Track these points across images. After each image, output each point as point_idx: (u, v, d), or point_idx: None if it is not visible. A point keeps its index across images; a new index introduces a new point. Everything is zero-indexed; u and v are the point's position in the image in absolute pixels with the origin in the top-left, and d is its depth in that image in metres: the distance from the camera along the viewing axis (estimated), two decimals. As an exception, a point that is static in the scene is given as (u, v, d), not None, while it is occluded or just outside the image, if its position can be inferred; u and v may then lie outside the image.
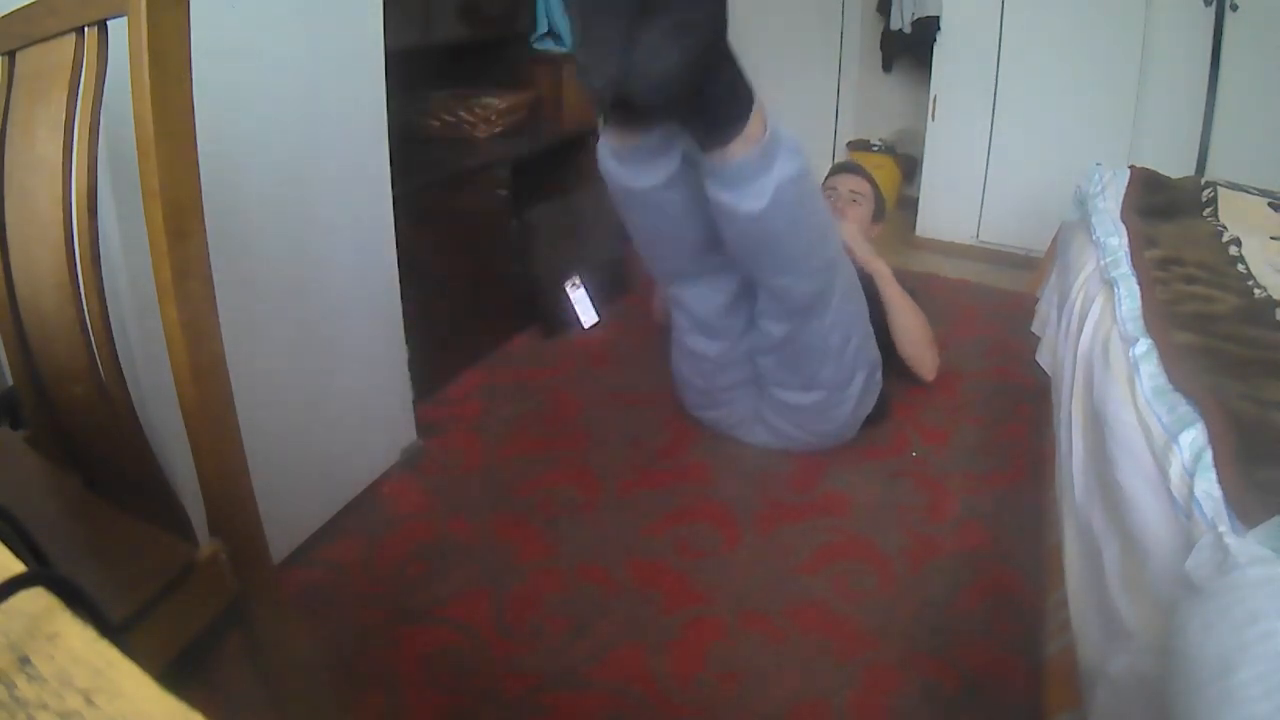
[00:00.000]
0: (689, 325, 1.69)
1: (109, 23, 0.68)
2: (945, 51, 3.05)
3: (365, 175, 1.57)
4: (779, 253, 1.39)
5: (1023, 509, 1.62)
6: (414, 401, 1.82)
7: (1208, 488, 0.86)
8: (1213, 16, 2.60)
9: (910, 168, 3.60)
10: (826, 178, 2.33)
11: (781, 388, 1.70)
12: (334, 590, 1.42)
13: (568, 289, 2.41)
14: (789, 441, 1.82)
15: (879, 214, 2.26)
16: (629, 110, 1.20)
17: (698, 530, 1.59)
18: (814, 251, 1.42)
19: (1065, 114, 2.89)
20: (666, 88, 1.10)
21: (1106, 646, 0.92)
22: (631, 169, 1.28)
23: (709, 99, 1.17)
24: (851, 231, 2.00)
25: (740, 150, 1.20)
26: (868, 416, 1.86)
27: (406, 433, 1.80)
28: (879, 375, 1.84)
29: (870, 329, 1.74)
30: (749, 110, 1.20)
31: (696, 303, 1.62)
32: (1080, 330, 1.45)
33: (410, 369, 1.79)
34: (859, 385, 1.72)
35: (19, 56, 0.78)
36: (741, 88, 1.21)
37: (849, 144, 3.79)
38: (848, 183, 2.24)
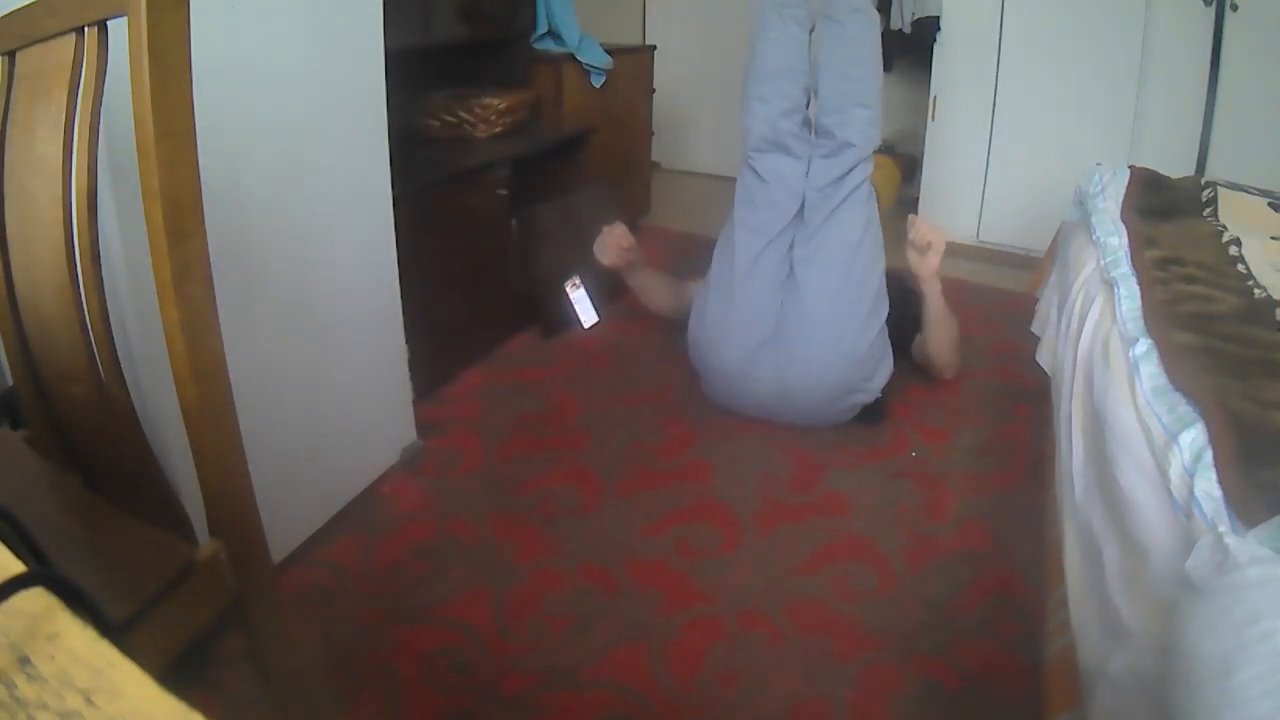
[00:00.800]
0: (748, 203, 1.92)
1: (109, 23, 0.68)
2: (945, 51, 3.05)
3: (365, 175, 1.57)
4: (863, 59, 1.94)
5: (1023, 509, 1.62)
6: (414, 401, 1.83)
7: (1208, 488, 0.86)
8: (1213, 16, 2.60)
9: (910, 168, 3.60)
10: None
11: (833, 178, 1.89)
12: (334, 590, 1.42)
13: (568, 289, 2.41)
14: (804, 390, 1.83)
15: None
16: None
17: (698, 530, 1.59)
18: (877, 71, 2.02)
19: (1065, 114, 2.89)
20: None
21: (1106, 646, 0.92)
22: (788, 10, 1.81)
23: None
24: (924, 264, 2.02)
25: None
26: (868, 415, 1.86)
27: (406, 433, 1.80)
28: (891, 356, 1.89)
29: (884, 293, 1.88)
30: None
31: (771, 153, 1.92)
32: (1080, 330, 1.45)
33: (410, 369, 1.79)
34: (880, 334, 1.85)
35: (19, 56, 0.78)
36: None
37: (849, 144, 3.78)
38: None
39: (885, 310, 1.87)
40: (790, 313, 1.83)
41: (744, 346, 1.85)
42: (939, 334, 2.02)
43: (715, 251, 1.96)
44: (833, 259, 1.83)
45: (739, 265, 1.87)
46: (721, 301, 1.89)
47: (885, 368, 1.89)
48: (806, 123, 1.97)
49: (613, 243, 2.16)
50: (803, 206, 1.88)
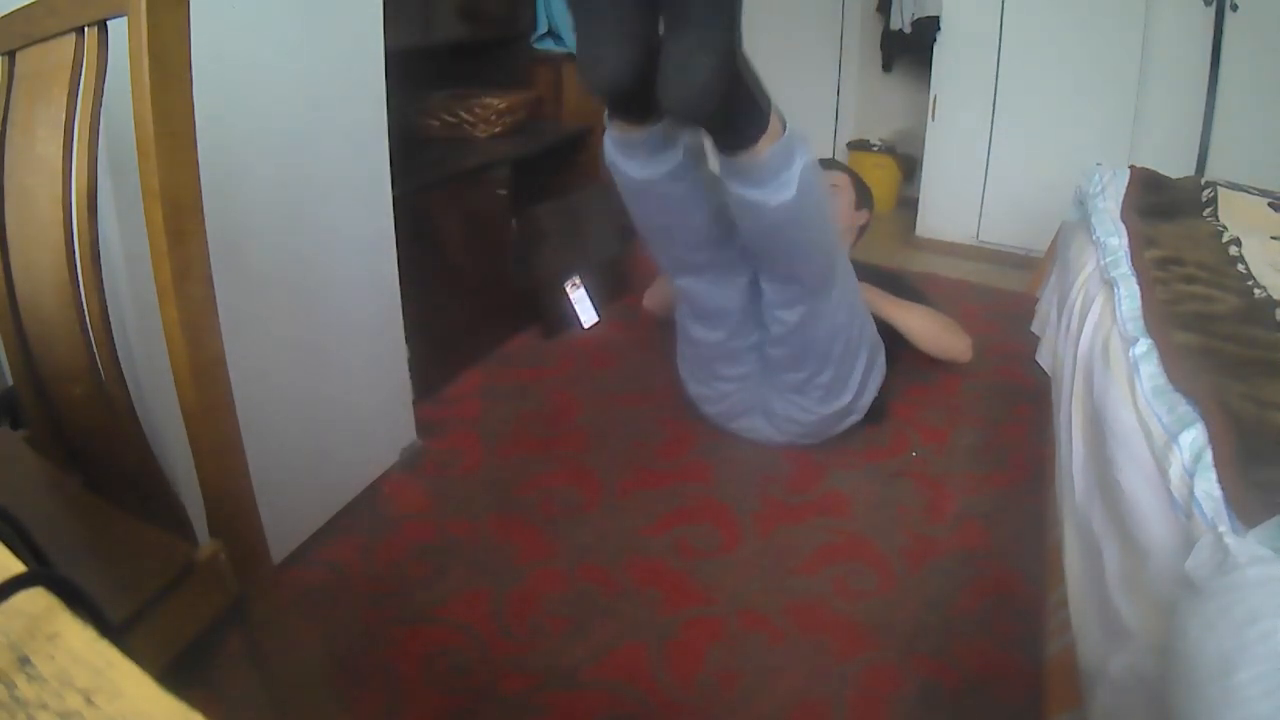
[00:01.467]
0: (692, 315, 1.72)
1: (109, 23, 0.68)
2: (945, 51, 3.05)
3: (365, 175, 1.57)
4: (802, 238, 1.45)
5: (1023, 509, 1.62)
6: (414, 401, 1.82)
7: (1208, 488, 0.86)
8: (1213, 16, 2.60)
9: (910, 168, 3.60)
10: None
11: (794, 371, 1.71)
12: (334, 590, 1.42)
13: (568, 289, 2.41)
14: (792, 432, 1.82)
15: (862, 201, 2.26)
16: (630, 106, 1.25)
17: (698, 530, 1.59)
18: (827, 229, 1.50)
19: (1065, 114, 2.89)
20: (700, 103, 1.15)
21: (1106, 646, 0.92)
22: (635, 161, 1.33)
23: (734, 107, 1.22)
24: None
25: (766, 147, 1.27)
26: (867, 414, 1.86)
27: (406, 433, 1.80)
28: (882, 359, 1.85)
29: (865, 307, 1.77)
30: (769, 110, 1.26)
31: (701, 296, 1.65)
32: (1080, 330, 1.45)
33: (410, 369, 1.79)
34: (864, 361, 1.75)
35: (19, 56, 0.78)
36: (760, 92, 1.26)
37: (849, 144, 3.79)
38: (826, 178, 2.24)
39: (869, 334, 1.77)
40: (767, 381, 1.77)
41: (725, 405, 1.84)
42: (911, 327, 1.96)
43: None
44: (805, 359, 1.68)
45: (700, 345, 1.75)
46: (694, 360, 1.82)
47: (874, 381, 1.83)
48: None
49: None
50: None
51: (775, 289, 1.58)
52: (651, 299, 2.24)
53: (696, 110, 1.16)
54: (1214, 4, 2.58)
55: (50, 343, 0.79)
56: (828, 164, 2.34)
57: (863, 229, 2.27)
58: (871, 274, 2.10)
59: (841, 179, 2.25)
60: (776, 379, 1.75)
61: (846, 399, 1.76)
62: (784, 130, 1.29)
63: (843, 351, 1.68)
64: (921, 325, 1.99)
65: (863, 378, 1.76)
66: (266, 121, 1.30)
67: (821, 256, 1.52)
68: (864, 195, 2.27)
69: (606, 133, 1.37)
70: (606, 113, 1.31)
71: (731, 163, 1.32)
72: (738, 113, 1.23)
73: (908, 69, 3.61)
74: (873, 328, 1.80)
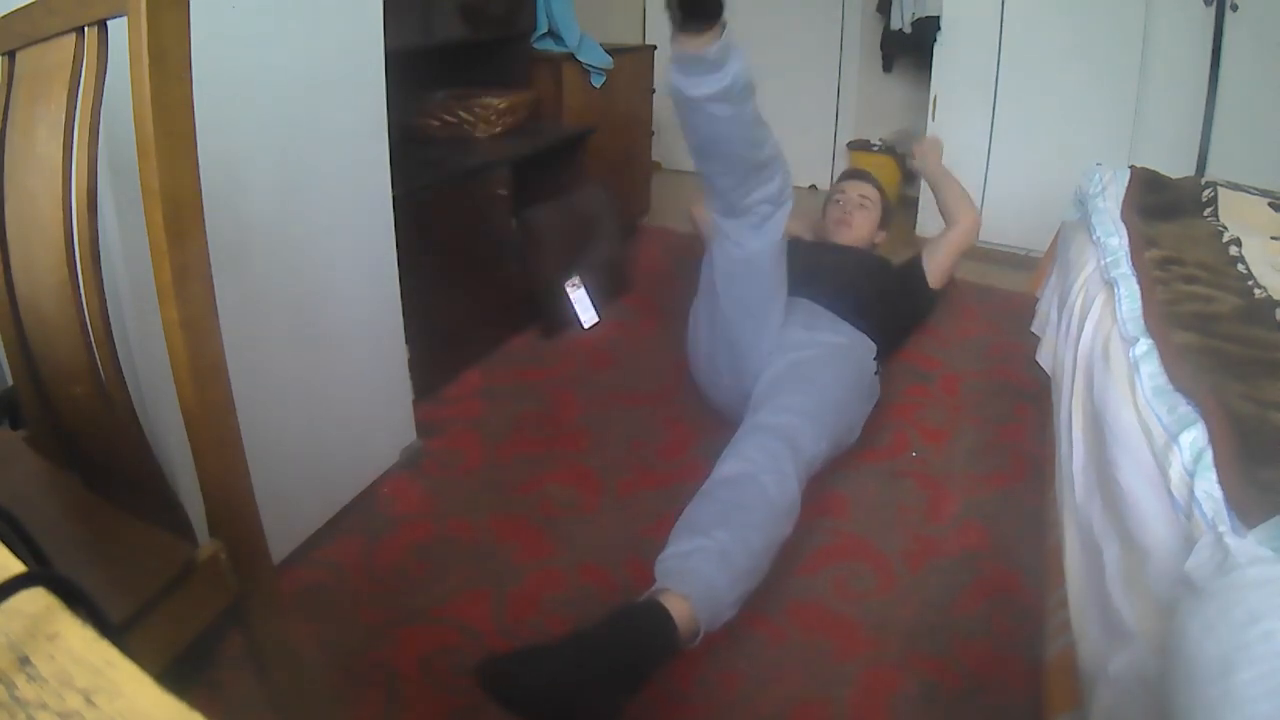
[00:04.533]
0: (721, 266, 1.77)
1: (109, 23, 0.68)
2: (945, 51, 3.05)
3: (365, 175, 1.57)
4: (726, 139, 1.59)
5: (1023, 509, 1.62)
6: (414, 401, 1.82)
7: (1208, 488, 0.86)
8: (1213, 16, 2.60)
9: (910, 168, 3.60)
10: (835, 182, 2.37)
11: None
12: (334, 590, 1.42)
13: (568, 289, 2.41)
14: None
15: (886, 220, 2.31)
16: (695, 12, 1.42)
17: (698, 530, 1.58)
18: (764, 129, 1.62)
19: (1065, 114, 2.89)
20: None
21: (1106, 646, 0.92)
22: (693, 79, 1.49)
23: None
24: (925, 151, 2.44)
25: (705, 45, 1.44)
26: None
27: (406, 433, 1.80)
28: (877, 377, 1.87)
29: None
30: (719, 14, 1.44)
31: (738, 239, 1.72)
32: (1080, 330, 1.45)
33: (410, 369, 1.79)
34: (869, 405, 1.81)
35: (19, 56, 0.78)
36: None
37: (849, 144, 3.79)
38: (856, 188, 2.30)
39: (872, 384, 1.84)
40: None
41: (733, 398, 1.83)
42: (947, 192, 2.24)
43: (701, 274, 1.86)
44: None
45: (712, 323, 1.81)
46: (707, 345, 1.84)
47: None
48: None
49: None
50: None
51: (736, 187, 1.66)
52: (701, 212, 2.30)
53: None
54: (1214, 4, 2.58)
55: (50, 343, 0.79)
56: (859, 175, 2.42)
57: (875, 246, 2.32)
58: (878, 267, 2.12)
59: (873, 195, 2.30)
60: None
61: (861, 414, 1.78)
62: (721, 36, 1.45)
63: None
64: (958, 188, 2.28)
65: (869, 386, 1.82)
66: (266, 121, 1.30)
67: (768, 148, 1.64)
68: (888, 216, 2.34)
69: (671, 59, 1.52)
70: (672, 32, 1.48)
71: (680, 53, 1.48)
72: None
73: (908, 69, 3.61)
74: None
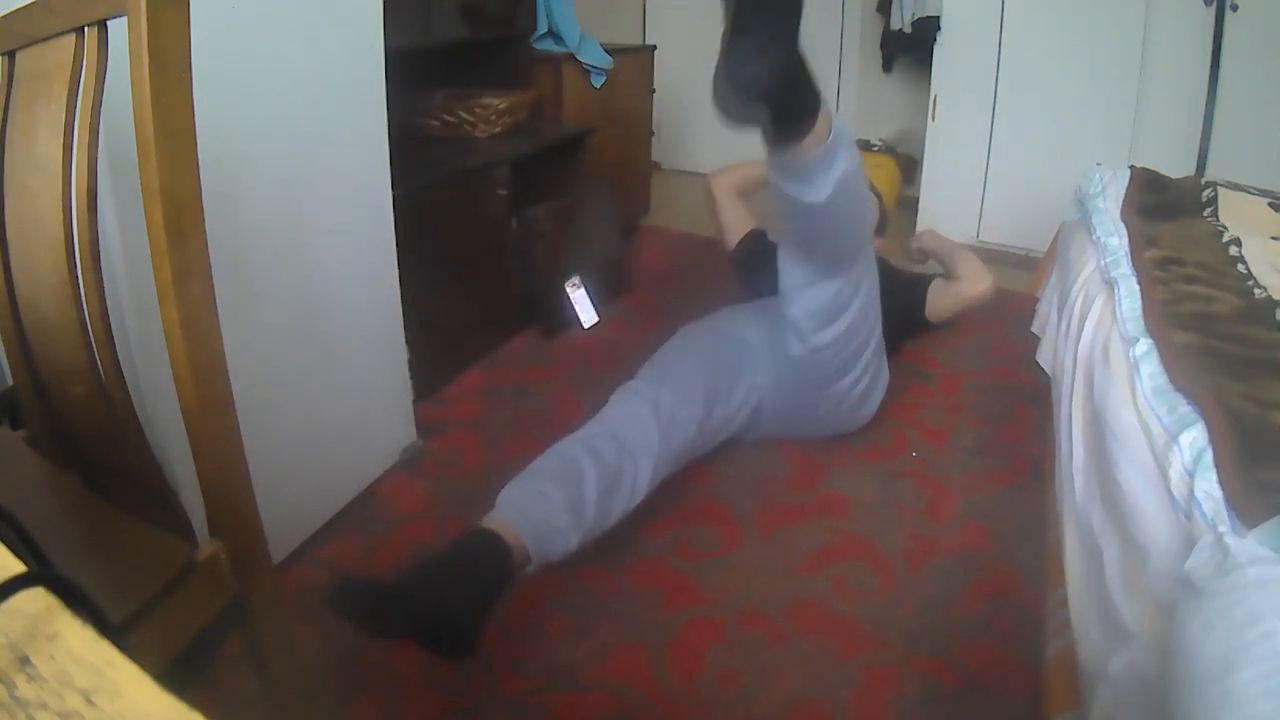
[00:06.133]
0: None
1: (109, 23, 0.68)
2: (945, 51, 3.05)
3: (365, 175, 1.57)
4: (832, 233, 1.53)
5: (1023, 509, 1.62)
6: (414, 401, 1.82)
7: (1208, 488, 0.86)
8: (1213, 16, 2.60)
9: (910, 168, 3.60)
10: None
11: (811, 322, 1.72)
12: (334, 590, 1.42)
13: (568, 289, 2.41)
14: (798, 426, 1.81)
15: (881, 227, 2.25)
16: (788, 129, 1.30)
17: (698, 531, 1.59)
18: (858, 229, 1.57)
19: (1065, 114, 2.89)
20: (757, 92, 1.22)
21: (1106, 646, 0.92)
22: (801, 185, 1.39)
23: (786, 102, 1.28)
24: (922, 238, 2.23)
25: (813, 147, 1.33)
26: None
27: (406, 433, 1.80)
28: (886, 373, 1.85)
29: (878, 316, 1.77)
30: (818, 110, 1.31)
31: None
32: (1080, 330, 1.45)
33: (410, 369, 1.79)
34: (872, 350, 1.74)
35: (19, 56, 0.78)
36: (812, 92, 1.31)
37: (849, 144, 3.79)
38: None
39: (876, 337, 1.76)
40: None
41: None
42: (963, 261, 2.03)
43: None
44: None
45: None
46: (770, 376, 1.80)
47: (881, 382, 1.83)
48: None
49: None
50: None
51: (797, 269, 1.62)
52: (720, 182, 2.26)
53: (766, 86, 1.21)
54: (1214, 4, 2.59)
55: (50, 343, 0.79)
56: None
57: None
58: (891, 276, 2.09)
59: (871, 202, 2.24)
60: (789, 352, 1.73)
61: (849, 384, 1.75)
62: (829, 133, 1.34)
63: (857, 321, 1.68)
64: (981, 290, 2.00)
65: (874, 373, 1.78)
66: (267, 121, 1.30)
67: (848, 252, 1.58)
68: (883, 224, 2.27)
69: (768, 165, 1.44)
70: (765, 144, 1.36)
71: (780, 160, 1.38)
72: (788, 106, 1.28)
73: (908, 69, 3.61)
74: (880, 332, 1.79)
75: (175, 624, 0.68)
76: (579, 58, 2.79)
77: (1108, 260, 1.51)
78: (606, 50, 2.90)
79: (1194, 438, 0.93)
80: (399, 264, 1.68)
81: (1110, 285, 1.43)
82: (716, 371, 1.66)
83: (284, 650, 0.83)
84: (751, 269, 2.10)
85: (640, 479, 1.42)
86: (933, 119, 3.12)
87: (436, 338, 1.97)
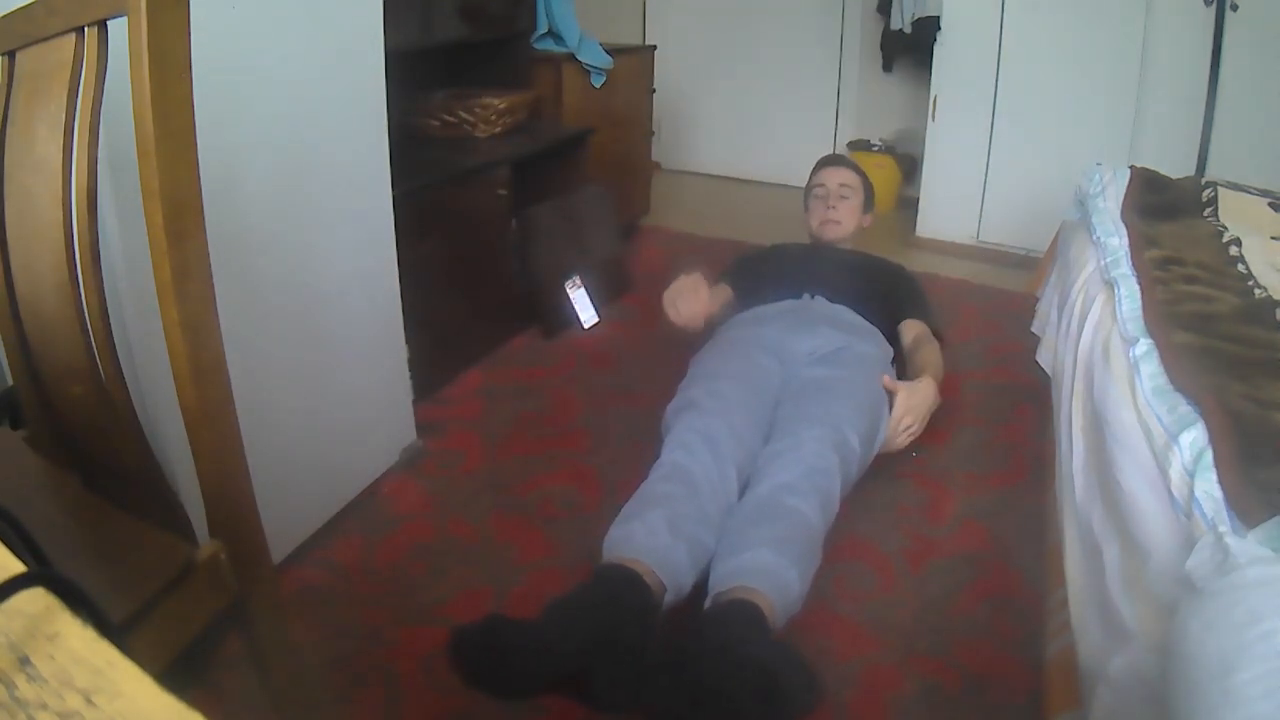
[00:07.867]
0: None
1: (109, 23, 0.68)
2: (945, 51, 3.05)
3: (365, 175, 1.57)
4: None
5: (1023, 509, 1.62)
6: (414, 401, 1.82)
7: (1208, 488, 0.86)
8: (1213, 16, 2.60)
9: (910, 168, 3.60)
10: (813, 173, 2.24)
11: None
12: (334, 590, 1.42)
13: (568, 289, 2.41)
14: None
15: (869, 203, 2.22)
16: None
17: (698, 530, 1.58)
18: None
19: (1065, 114, 2.89)
20: None
21: (1106, 646, 0.92)
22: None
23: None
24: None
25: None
26: None
27: (406, 433, 1.80)
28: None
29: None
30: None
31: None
32: (1080, 330, 1.45)
33: (410, 369, 1.79)
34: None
35: (19, 56, 0.78)
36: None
37: (849, 144, 3.79)
38: (836, 176, 2.18)
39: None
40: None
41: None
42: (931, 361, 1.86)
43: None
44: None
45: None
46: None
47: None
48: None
49: (686, 303, 1.88)
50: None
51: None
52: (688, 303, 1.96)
53: None
54: (1214, 4, 2.59)
55: (50, 343, 0.79)
56: (839, 161, 2.29)
57: (862, 230, 2.26)
58: (877, 268, 2.10)
59: (853, 181, 2.19)
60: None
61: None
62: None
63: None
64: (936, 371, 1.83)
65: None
66: (267, 121, 1.30)
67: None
68: (870, 199, 2.24)
69: None
70: None
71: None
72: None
73: (908, 69, 3.61)
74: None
75: (175, 624, 0.68)
76: (579, 58, 2.79)
77: (1108, 260, 1.51)
78: (606, 50, 2.90)
79: (1194, 438, 0.93)
80: (399, 264, 1.68)
81: (1110, 285, 1.43)
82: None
83: (284, 650, 0.83)
84: (746, 278, 2.09)
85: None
86: (933, 119, 3.12)
87: (436, 337, 1.97)
